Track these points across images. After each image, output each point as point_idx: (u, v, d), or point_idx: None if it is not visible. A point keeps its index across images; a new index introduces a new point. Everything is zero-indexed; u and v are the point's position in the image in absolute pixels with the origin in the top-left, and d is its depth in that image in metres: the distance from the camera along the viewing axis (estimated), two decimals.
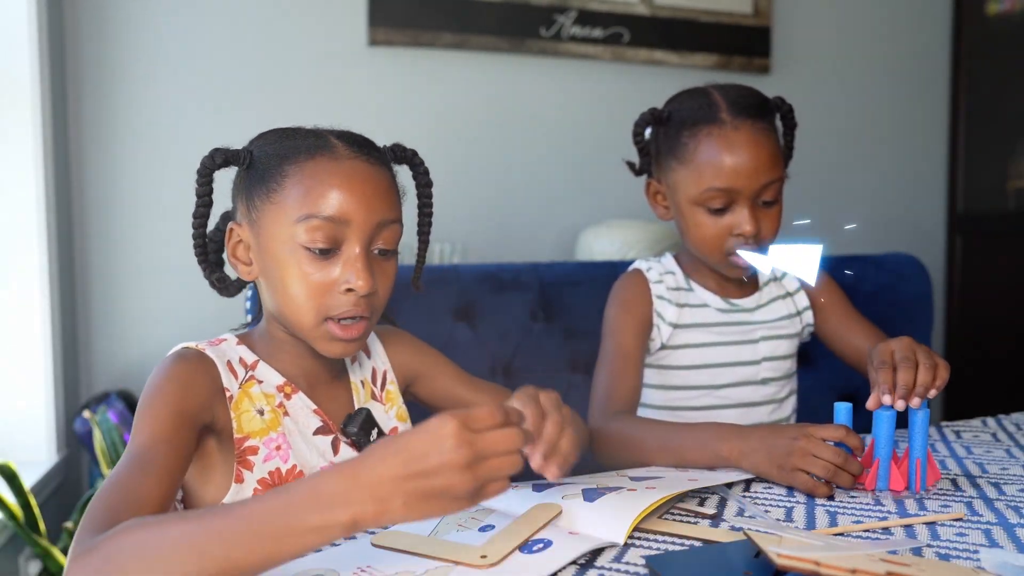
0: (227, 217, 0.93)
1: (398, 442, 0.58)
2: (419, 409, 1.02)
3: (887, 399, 0.84)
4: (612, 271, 1.47)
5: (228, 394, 0.85)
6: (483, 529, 0.72)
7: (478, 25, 2.01)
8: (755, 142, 1.08)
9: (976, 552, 0.69)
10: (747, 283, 1.23)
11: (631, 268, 1.25)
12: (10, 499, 1.41)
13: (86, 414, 1.60)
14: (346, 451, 0.91)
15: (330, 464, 0.80)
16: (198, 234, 0.90)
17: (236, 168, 0.88)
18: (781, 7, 2.31)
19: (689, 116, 1.12)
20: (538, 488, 0.81)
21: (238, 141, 1.82)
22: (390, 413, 0.98)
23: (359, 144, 0.87)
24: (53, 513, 1.65)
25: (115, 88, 1.81)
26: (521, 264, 1.46)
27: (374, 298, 0.84)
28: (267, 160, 0.85)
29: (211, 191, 0.87)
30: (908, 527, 0.75)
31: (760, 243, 1.12)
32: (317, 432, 0.89)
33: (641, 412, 1.23)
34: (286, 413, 0.88)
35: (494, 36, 2.02)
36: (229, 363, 0.87)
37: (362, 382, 0.96)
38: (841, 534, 0.74)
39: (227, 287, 0.96)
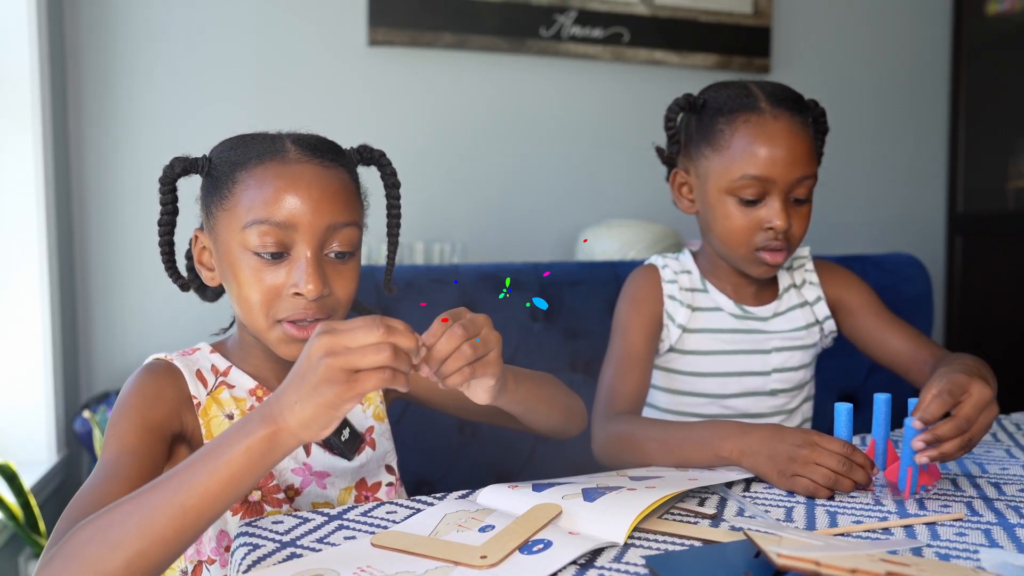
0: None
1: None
2: (408, 408, 1.02)
3: (919, 446, 0.80)
4: (612, 271, 1.47)
5: (196, 402, 0.87)
6: (483, 529, 0.72)
7: (478, 25, 2.01)
8: (793, 134, 1.06)
9: (976, 552, 0.69)
10: (766, 290, 1.19)
11: (646, 262, 1.22)
12: (10, 499, 1.41)
13: (86, 414, 1.60)
14: (318, 451, 0.92)
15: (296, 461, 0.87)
16: (164, 242, 0.91)
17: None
18: (781, 7, 2.31)
19: (726, 103, 1.09)
20: (538, 488, 0.81)
21: None
22: (367, 412, 0.98)
23: (313, 147, 0.86)
24: (53, 513, 1.65)
25: (115, 88, 1.81)
26: (521, 264, 1.46)
27: (330, 300, 0.84)
28: (222, 167, 0.86)
29: (174, 199, 0.89)
30: (908, 527, 0.75)
31: (789, 242, 1.09)
32: None
33: (647, 413, 1.22)
34: None
35: (494, 36, 2.02)
36: (199, 372, 0.89)
37: None
38: (842, 534, 0.74)
39: (203, 292, 0.97)
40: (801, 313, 1.19)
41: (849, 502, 0.82)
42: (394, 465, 1.00)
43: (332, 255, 0.84)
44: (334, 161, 0.86)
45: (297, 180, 0.82)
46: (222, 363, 0.91)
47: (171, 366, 0.87)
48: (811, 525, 0.76)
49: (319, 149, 0.86)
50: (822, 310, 1.19)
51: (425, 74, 2.02)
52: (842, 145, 2.40)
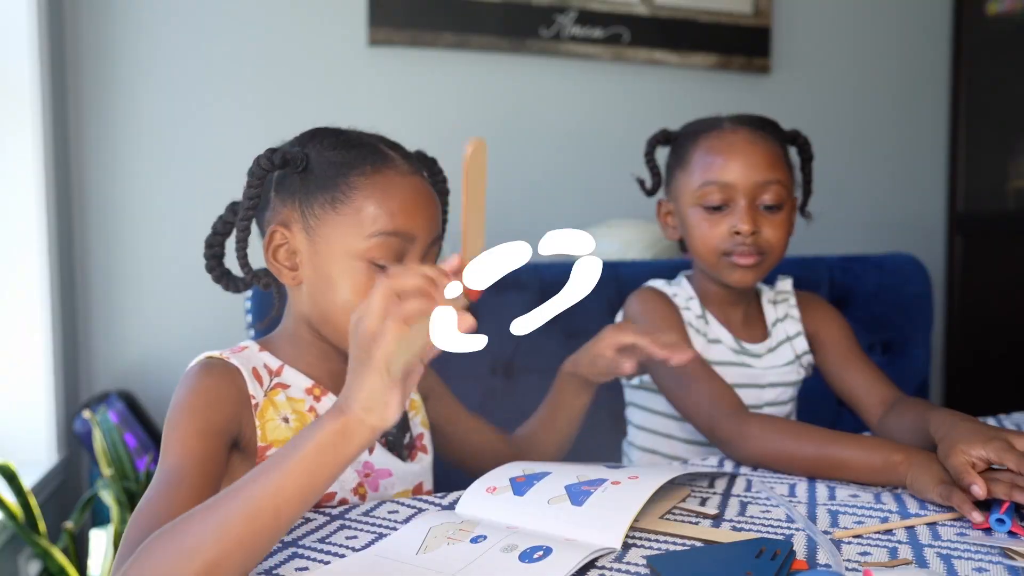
0: (231, 215, 0.90)
1: None
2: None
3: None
4: (612, 271, 1.47)
5: (254, 402, 0.84)
6: (475, 540, 0.70)
7: (478, 25, 2.01)
8: (750, 142, 1.10)
9: (976, 552, 0.69)
10: (756, 323, 1.20)
11: (648, 287, 1.21)
12: (10, 499, 1.41)
13: (86, 414, 1.60)
14: (380, 450, 0.91)
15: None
16: (241, 237, 0.86)
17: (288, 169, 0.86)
18: (781, 7, 2.31)
19: (693, 129, 1.16)
20: (519, 491, 0.78)
21: (238, 141, 1.83)
22: (415, 420, 0.98)
23: (412, 157, 0.90)
24: (53, 513, 1.65)
25: (115, 88, 1.81)
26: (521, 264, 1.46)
27: None
28: (329, 167, 0.85)
29: (261, 192, 0.85)
30: (909, 527, 0.75)
31: (761, 248, 1.10)
32: None
33: (645, 438, 1.23)
34: (316, 416, 0.87)
35: (494, 36, 2.02)
36: (255, 370, 0.86)
37: None
38: (859, 534, 0.74)
39: (228, 282, 0.92)
40: (788, 348, 1.21)
41: (851, 500, 0.83)
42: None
43: None
44: (424, 171, 0.91)
45: (417, 193, 0.86)
46: (274, 362, 0.88)
47: (228, 364, 0.84)
48: (812, 514, 0.76)
49: (413, 158, 0.91)
50: (801, 344, 1.21)
51: (425, 74, 2.01)
52: (842, 145, 2.40)
